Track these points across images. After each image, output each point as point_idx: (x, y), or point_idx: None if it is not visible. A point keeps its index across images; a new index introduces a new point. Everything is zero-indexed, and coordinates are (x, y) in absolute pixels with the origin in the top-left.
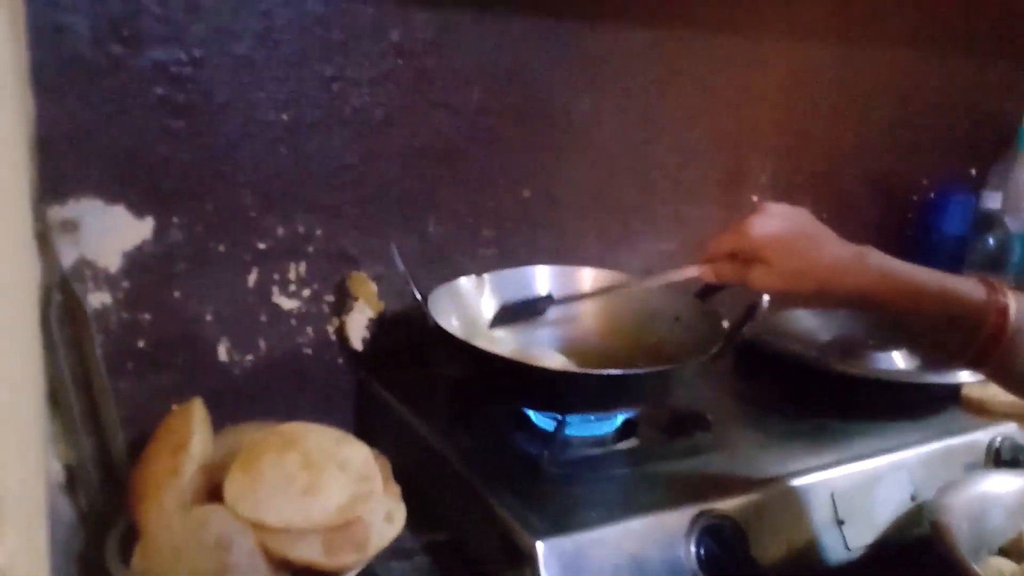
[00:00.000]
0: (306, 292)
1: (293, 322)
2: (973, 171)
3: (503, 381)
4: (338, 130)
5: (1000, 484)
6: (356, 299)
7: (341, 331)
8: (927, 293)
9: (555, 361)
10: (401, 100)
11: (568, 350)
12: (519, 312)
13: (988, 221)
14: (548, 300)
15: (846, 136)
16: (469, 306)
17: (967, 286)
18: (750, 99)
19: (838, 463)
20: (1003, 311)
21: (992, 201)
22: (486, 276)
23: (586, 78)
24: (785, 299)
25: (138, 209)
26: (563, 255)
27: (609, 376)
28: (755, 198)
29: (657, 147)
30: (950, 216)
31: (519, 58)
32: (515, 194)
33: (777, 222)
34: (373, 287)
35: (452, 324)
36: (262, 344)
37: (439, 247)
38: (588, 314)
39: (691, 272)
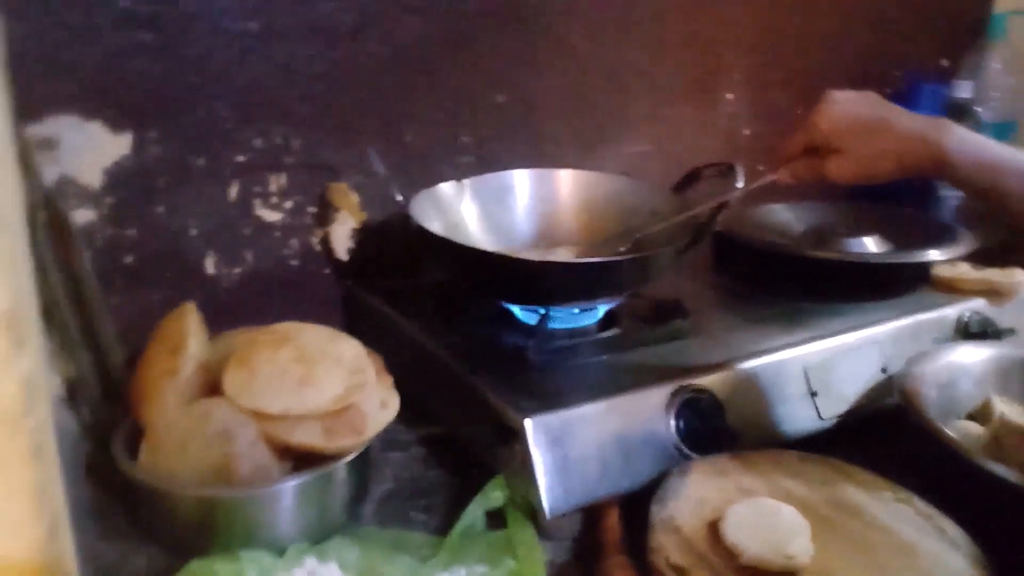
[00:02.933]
0: (288, 204)
1: (277, 234)
2: (945, 62)
3: (486, 276)
4: (309, 38)
5: (968, 355)
6: (338, 210)
7: (325, 242)
8: (1006, 167)
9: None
10: (370, 5)
11: (547, 244)
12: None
13: (960, 111)
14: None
15: (817, 30)
16: (450, 211)
17: None
18: None
19: (810, 340)
20: None
21: (963, 91)
22: (466, 182)
23: None
24: (866, 182)
25: (115, 125)
26: (541, 160)
27: (589, 264)
28: (730, 95)
29: (630, 47)
30: (922, 107)
31: None
32: (490, 99)
33: (845, 108)
34: (354, 197)
35: (434, 227)
36: (248, 256)
37: (418, 155)
38: (567, 209)
39: (768, 179)
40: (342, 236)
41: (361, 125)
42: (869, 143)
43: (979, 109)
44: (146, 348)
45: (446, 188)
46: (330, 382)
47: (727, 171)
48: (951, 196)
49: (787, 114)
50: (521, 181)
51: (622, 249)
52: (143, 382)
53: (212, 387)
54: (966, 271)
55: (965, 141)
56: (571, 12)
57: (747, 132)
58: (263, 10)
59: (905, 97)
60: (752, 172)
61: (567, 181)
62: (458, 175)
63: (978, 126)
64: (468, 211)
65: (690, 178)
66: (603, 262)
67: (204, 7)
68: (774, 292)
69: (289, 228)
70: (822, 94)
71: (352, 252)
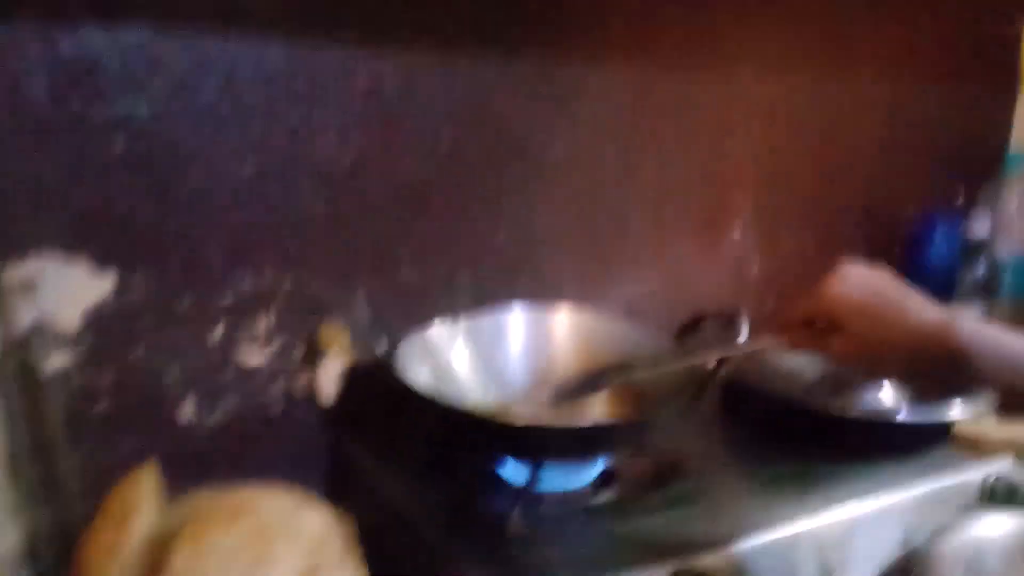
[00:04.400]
0: (274, 346)
1: (261, 378)
2: (960, 198)
3: (474, 436)
4: (305, 178)
5: (994, 526)
6: (327, 350)
7: (312, 386)
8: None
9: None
10: (369, 146)
11: (543, 388)
12: (577, 390)
13: (976, 248)
14: (605, 373)
15: (828, 167)
16: (441, 355)
17: None
18: (728, 133)
19: (824, 509)
20: None
21: (980, 228)
22: (461, 320)
23: (559, 117)
24: (870, 367)
25: (99, 265)
26: (542, 298)
27: (583, 429)
28: (737, 233)
29: (635, 185)
30: (938, 245)
31: (489, 100)
32: (490, 237)
33: (857, 287)
34: (345, 337)
35: (423, 374)
36: (228, 403)
37: (412, 293)
38: (564, 352)
39: (765, 343)
40: (330, 379)
41: (355, 263)
42: (879, 330)
43: (996, 246)
44: (98, 512)
45: (437, 330)
46: (287, 562)
47: (731, 319)
48: None
49: (796, 254)
50: (517, 320)
51: (616, 384)
52: (86, 556)
53: (159, 565)
54: (991, 428)
55: (984, 336)
56: (573, 150)
57: (755, 271)
58: (259, 152)
59: (920, 234)
60: (760, 313)
61: (565, 321)
62: (453, 311)
63: (995, 263)
64: (460, 355)
65: (693, 324)
66: (598, 427)
67: (199, 151)
68: (784, 448)
69: (273, 372)
70: (835, 264)
71: (339, 396)
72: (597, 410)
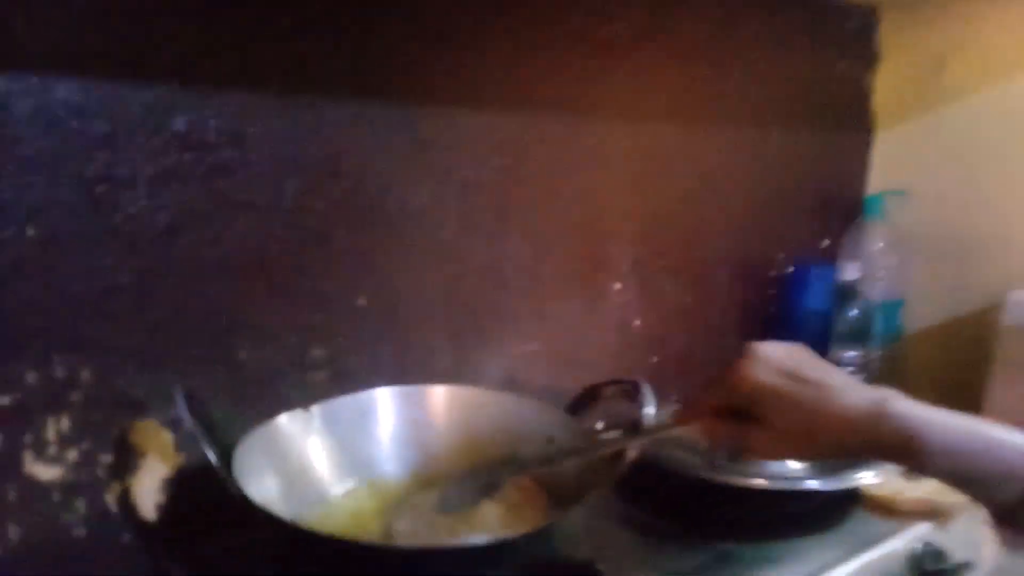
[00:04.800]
0: (72, 454)
1: (56, 496)
2: (826, 242)
3: (332, 561)
4: (107, 243)
5: None
6: (144, 455)
7: (126, 499)
8: (968, 447)
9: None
10: (192, 202)
11: (420, 482)
12: (466, 495)
13: (849, 293)
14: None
15: (700, 217)
16: (292, 453)
17: (1017, 437)
18: (603, 184)
19: None
20: None
21: (850, 272)
22: (314, 409)
23: (421, 166)
24: (797, 460)
25: None
26: (411, 371)
27: (469, 549)
28: (618, 286)
29: (509, 239)
30: (812, 290)
31: (339, 146)
32: (348, 303)
33: (771, 368)
34: (167, 436)
35: (267, 481)
36: (13, 532)
37: (255, 378)
38: (442, 437)
39: (677, 431)
40: (149, 489)
41: (176, 345)
42: (800, 420)
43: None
44: None
45: (287, 422)
46: None
47: (632, 390)
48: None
49: (676, 305)
50: (385, 403)
51: (510, 477)
52: None
53: None
54: (901, 488)
55: (911, 421)
56: (439, 203)
57: (637, 323)
58: (44, 212)
59: (793, 281)
60: (645, 367)
61: (443, 400)
62: (307, 397)
63: (868, 307)
64: (316, 449)
65: (588, 396)
66: (490, 545)
67: None
68: (693, 525)
69: (73, 487)
70: (744, 347)
71: (163, 509)
72: (490, 513)
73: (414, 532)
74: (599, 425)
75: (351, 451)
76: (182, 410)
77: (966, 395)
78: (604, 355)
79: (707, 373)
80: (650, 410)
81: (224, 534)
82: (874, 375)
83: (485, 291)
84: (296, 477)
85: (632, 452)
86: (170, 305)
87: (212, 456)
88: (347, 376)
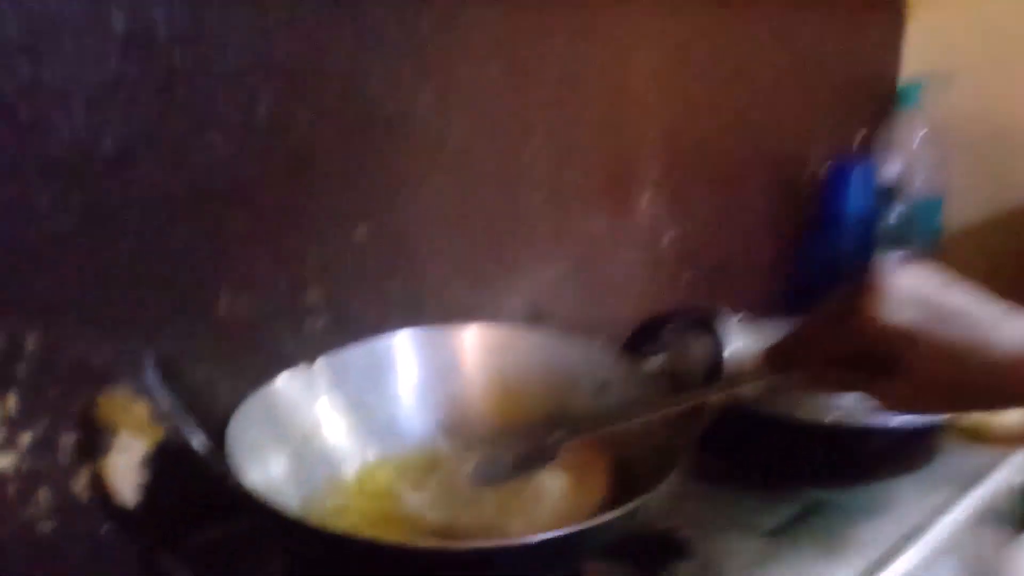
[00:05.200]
0: (25, 438)
1: (11, 488)
2: (860, 136)
3: (352, 561)
4: (41, 178)
5: None
6: (115, 432)
7: (98, 485)
8: None
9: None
10: (144, 121)
11: (453, 448)
12: (515, 466)
13: (889, 193)
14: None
15: (733, 112)
16: (299, 420)
17: None
18: (627, 80)
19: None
20: None
21: (890, 170)
22: (318, 363)
23: (423, 75)
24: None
25: None
26: (424, 310)
27: (530, 546)
28: (647, 196)
29: (526, 150)
30: (852, 192)
31: (321, 42)
32: (344, 234)
33: (904, 303)
34: (141, 408)
35: (270, 465)
36: None
37: (241, 332)
38: (475, 389)
39: (776, 381)
40: (126, 470)
41: (140, 299)
42: (947, 368)
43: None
44: None
45: (287, 383)
46: None
47: (706, 322)
48: None
49: (709, 218)
50: (404, 350)
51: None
52: None
53: None
54: (991, 417)
55: None
56: (446, 112)
57: (668, 237)
58: None
59: (832, 182)
60: (677, 287)
61: (473, 343)
62: (306, 351)
63: (911, 207)
64: (326, 414)
65: (648, 330)
66: (560, 537)
67: None
68: (771, 474)
69: (31, 475)
70: (869, 270)
71: (145, 492)
72: (551, 486)
73: (455, 517)
74: (658, 362)
75: (368, 413)
76: (152, 379)
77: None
78: (633, 278)
79: (742, 291)
80: (735, 349)
81: (222, 519)
82: None
83: (501, 208)
84: (304, 451)
85: (714, 405)
86: (127, 250)
87: (195, 438)
88: (350, 322)
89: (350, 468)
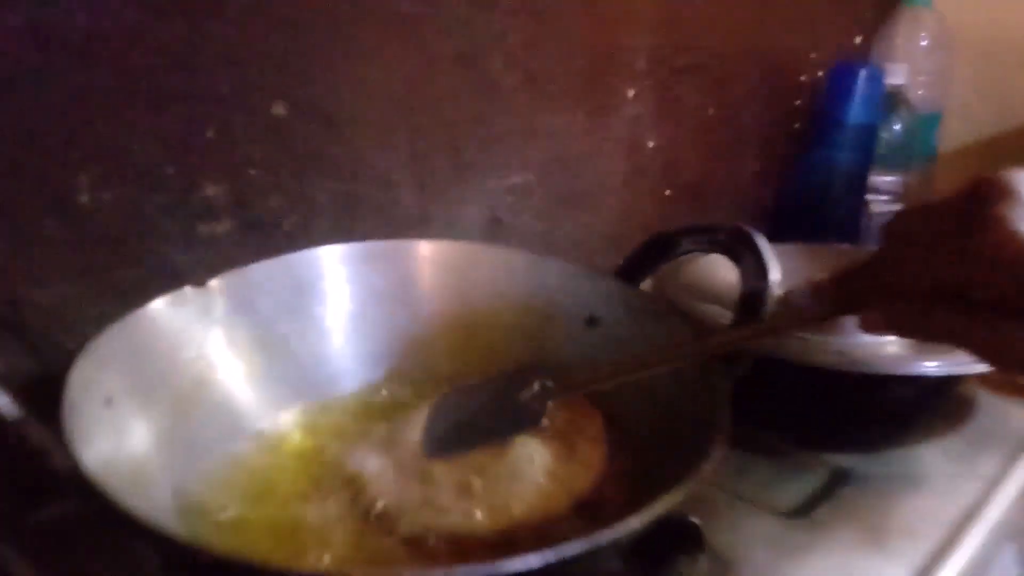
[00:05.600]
0: None
1: None
2: (859, 39)
3: None
4: None
5: None
6: None
7: None
8: None
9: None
10: None
11: (392, 399)
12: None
13: (893, 102)
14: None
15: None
16: (179, 362)
17: None
18: None
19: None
20: None
21: (895, 76)
22: (214, 284)
23: None
24: None
25: None
26: (361, 217)
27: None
28: (631, 92)
29: (491, 21)
30: (855, 99)
31: None
32: (258, 112)
33: None
34: None
35: (134, 430)
36: None
37: (109, 233)
38: (426, 321)
39: (835, 319)
40: None
41: None
42: None
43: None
44: None
45: (167, 309)
46: None
47: (731, 243)
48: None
49: (695, 120)
50: (333, 269)
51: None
52: None
53: None
54: None
55: None
56: None
57: (651, 143)
58: None
59: (832, 87)
60: (658, 202)
61: (425, 263)
62: (201, 264)
63: (912, 119)
64: (223, 351)
65: (654, 252)
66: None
67: None
68: (788, 433)
69: None
70: (981, 179)
71: None
72: (531, 458)
73: (398, 504)
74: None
75: (282, 353)
76: None
77: None
78: (608, 188)
79: (721, 207)
80: (775, 279)
81: (65, 496)
82: None
83: (461, 96)
84: (187, 407)
85: (752, 351)
86: None
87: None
88: (263, 229)
89: (253, 431)
